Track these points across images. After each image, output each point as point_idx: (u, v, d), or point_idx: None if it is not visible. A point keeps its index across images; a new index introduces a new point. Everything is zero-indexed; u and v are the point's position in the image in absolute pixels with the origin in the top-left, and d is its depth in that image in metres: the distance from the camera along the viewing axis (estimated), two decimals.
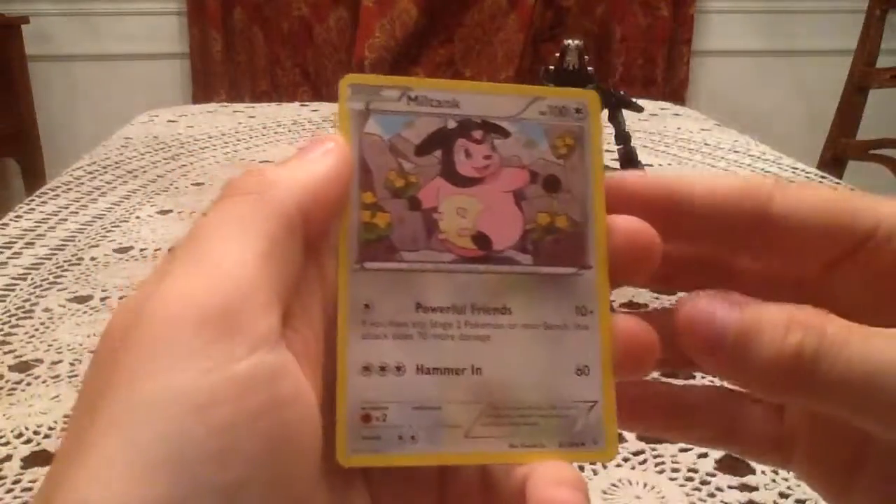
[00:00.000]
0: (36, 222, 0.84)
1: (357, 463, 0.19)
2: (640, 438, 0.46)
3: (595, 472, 0.43)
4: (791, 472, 0.24)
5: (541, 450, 0.20)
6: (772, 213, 0.21)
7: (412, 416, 0.20)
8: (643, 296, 0.66)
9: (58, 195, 0.93)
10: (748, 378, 0.19)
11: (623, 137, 0.55)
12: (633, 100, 0.56)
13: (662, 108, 1.47)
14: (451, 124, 0.21)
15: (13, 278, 0.69)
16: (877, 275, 0.20)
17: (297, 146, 0.21)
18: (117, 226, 0.83)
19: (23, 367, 0.54)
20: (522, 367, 0.21)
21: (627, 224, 0.21)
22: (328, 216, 0.20)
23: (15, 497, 0.41)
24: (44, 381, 0.52)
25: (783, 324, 0.18)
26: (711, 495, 0.42)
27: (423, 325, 0.20)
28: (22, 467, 0.43)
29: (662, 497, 0.41)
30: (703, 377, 0.43)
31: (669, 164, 1.10)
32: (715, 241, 0.22)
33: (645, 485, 0.42)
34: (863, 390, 0.17)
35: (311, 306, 0.19)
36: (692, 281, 0.22)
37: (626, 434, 0.47)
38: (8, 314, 0.62)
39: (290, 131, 1.26)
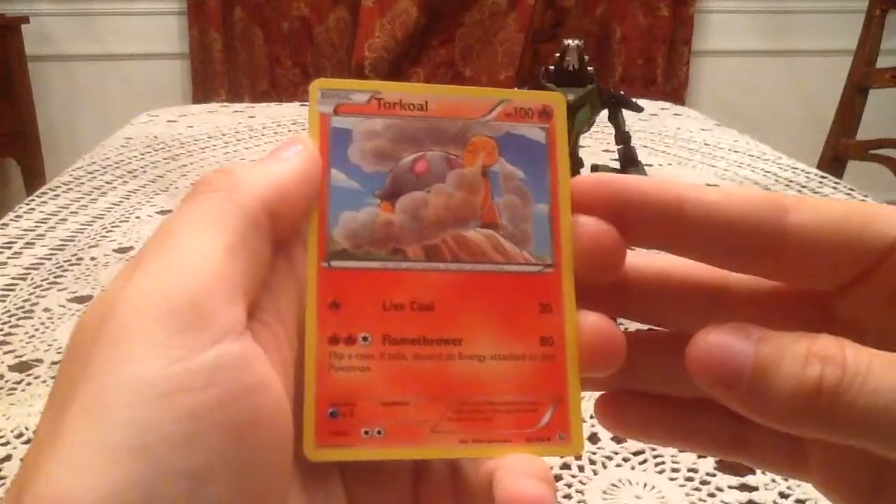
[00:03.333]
0: (36, 222, 0.84)
1: (324, 457, 0.20)
2: None
3: (595, 472, 0.43)
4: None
5: (507, 444, 0.21)
6: (787, 229, 0.20)
7: (379, 411, 0.20)
8: None
9: (58, 195, 0.93)
10: (766, 414, 0.18)
11: (623, 137, 0.55)
12: (633, 100, 0.56)
13: (662, 108, 1.47)
14: (418, 126, 0.22)
15: (13, 278, 0.69)
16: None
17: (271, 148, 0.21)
18: (117, 226, 0.83)
19: (23, 367, 0.54)
20: (489, 363, 0.21)
21: (590, 225, 0.22)
22: (296, 213, 0.20)
23: None
24: (44, 381, 0.52)
25: (802, 356, 0.18)
26: (711, 495, 0.42)
27: (390, 323, 0.21)
28: None
29: (662, 497, 0.41)
30: None
31: (669, 165, 1.10)
32: (722, 258, 0.21)
33: (645, 485, 0.42)
34: (889, 423, 0.17)
35: (281, 302, 0.20)
36: (679, 313, 0.22)
37: None
38: (8, 314, 0.62)
39: (290, 131, 1.26)
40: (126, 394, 0.16)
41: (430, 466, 0.22)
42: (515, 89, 0.23)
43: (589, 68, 0.53)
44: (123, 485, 0.15)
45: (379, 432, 0.20)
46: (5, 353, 0.56)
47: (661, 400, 0.24)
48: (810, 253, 0.20)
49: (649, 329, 0.24)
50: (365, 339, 0.21)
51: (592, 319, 0.22)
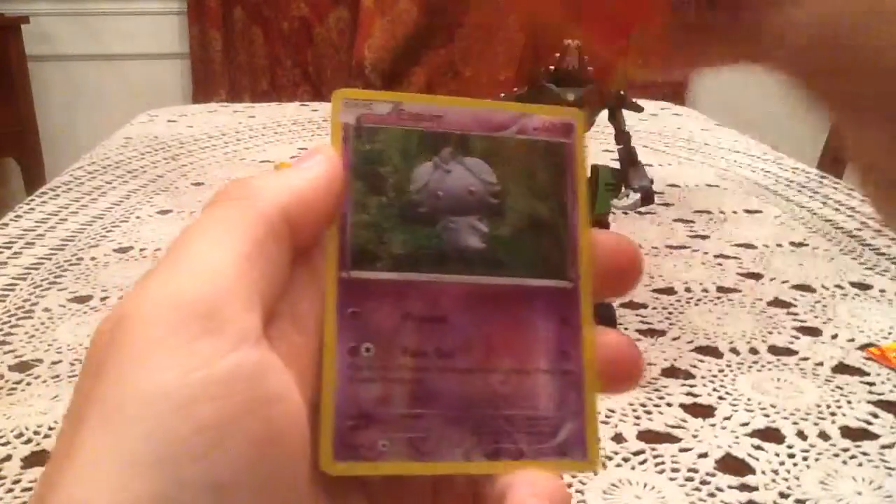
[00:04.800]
0: (36, 222, 0.84)
1: (342, 471, 0.20)
2: (640, 438, 0.46)
3: (595, 472, 0.43)
4: None
5: (524, 460, 0.21)
6: None
7: (398, 424, 0.20)
8: (642, 295, 0.66)
9: (58, 195, 0.93)
10: None
11: (623, 137, 0.55)
12: (633, 100, 0.56)
13: (662, 108, 1.47)
14: (441, 138, 0.22)
15: (13, 278, 0.69)
16: None
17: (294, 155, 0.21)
18: (117, 226, 0.83)
19: (23, 367, 0.54)
20: (507, 377, 0.21)
21: (610, 240, 0.22)
22: (316, 222, 0.20)
23: (15, 497, 0.41)
24: (44, 381, 0.52)
25: None
26: (711, 495, 0.42)
27: (409, 335, 0.21)
28: (22, 467, 0.43)
29: (662, 497, 0.41)
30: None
31: (669, 164, 1.10)
32: None
33: (645, 485, 0.42)
34: None
35: (301, 311, 0.20)
36: None
37: (626, 434, 0.47)
38: (8, 314, 0.62)
39: (290, 131, 1.26)
40: (143, 405, 0.15)
41: (450, 480, 0.22)
42: (538, 105, 0.23)
43: (589, 68, 0.53)
44: (144, 499, 0.15)
45: (398, 446, 0.20)
46: (5, 353, 0.56)
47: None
48: None
49: None
50: (384, 350, 0.20)
51: (611, 336, 0.22)
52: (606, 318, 0.58)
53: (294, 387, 0.18)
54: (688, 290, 0.68)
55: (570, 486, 0.42)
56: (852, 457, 0.45)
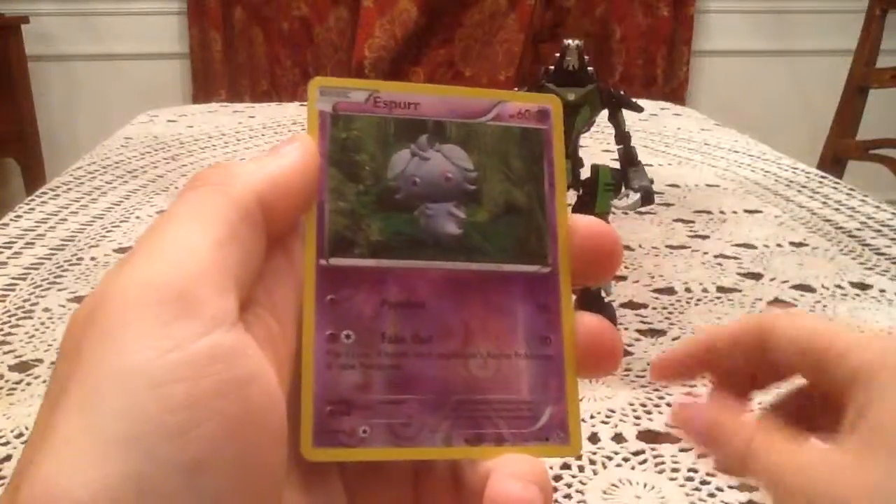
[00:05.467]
0: (36, 222, 0.84)
1: (321, 457, 0.20)
2: (639, 438, 0.46)
3: (595, 472, 0.43)
4: None
5: (505, 444, 0.21)
6: (768, 350, 0.25)
7: (377, 410, 0.20)
8: (642, 295, 0.66)
9: (58, 195, 0.93)
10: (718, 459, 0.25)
11: (623, 137, 0.55)
12: (633, 100, 0.56)
13: (662, 108, 1.47)
14: (417, 125, 0.22)
15: (13, 278, 0.69)
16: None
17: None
18: (117, 226, 0.83)
19: (23, 367, 0.54)
20: (487, 362, 0.21)
21: (589, 225, 0.22)
22: (291, 208, 0.20)
23: None
24: (44, 381, 0.52)
25: (733, 431, 0.23)
26: (711, 495, 0.42)
27: (388, 321, 0.21)
28: None
29: (662, 497, 0.41)
30: None
31: (669, 164, 1.10)
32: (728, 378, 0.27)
33: (645, 485, 0.42)
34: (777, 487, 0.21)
35: (277, 297, 0.20)
36: None
37: (626, 434, 0.47)
38: (8, 314, 0.62)
39: (289, 131, 1.26)
40: (117, 385, 0.15)
41: (430, 466, 0.22)
42: (514, 90, 0.23)
43: (589, 68, 0.53)
44: (116, 478, 0.15)
45: (377, 432, 0.20)
46: (5, 353, 0.56)
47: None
48: (786, 370, 0.25)
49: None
50: (363, 337, 0.21)
51: (589, 320, 0.22)
52: (607, 318, 0.58)
53: (270, 369, 0.18)
54: (688, 290, 0.68)
55: (569, 485, 0.42)
56: None
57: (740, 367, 0.26)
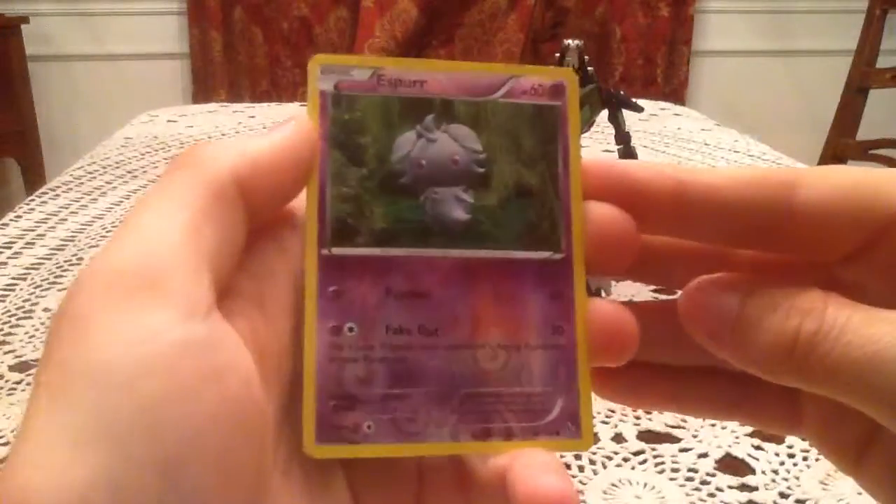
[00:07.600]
0: (36, 222, 0.84)
1: (324, 454, 0.19)
2: (640, 438, 0.46)
3: (595, 472, 0.43)
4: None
5: (514, 439, 0.20)
6: (794, 208, 0.19)
7: (382, 405, 0.19)
8: (642, 295, 0.66)
9: (58, 195, 0.93)
10: (749, 364, 0.19)
11: (623, 137, 0.55)
12: (633, 100, 0.56)
13: (662, 108, 1.47)
14: (423, 104, 0.21)
15: (13, 278, 0.69)
16: None
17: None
18: (117, 226, 0.83)
19: (23, 367, 0.54)
20: (496, 353, 0.20)
21: (603, 212, 0.21)
22: (274, 187, 0.19)
23: None
24: None
25: (784, 308, 0.18)
26: (711, 495, 0.42)
27: (393, 312, 0.20)
28: None
29: (662, 497, 0.41)
30: None
31: None
32: (729, 242, 0.21)
33: (645, 485, 0.42)
34: (860, 376, 0.17)
35: (265, 289, 0.19)
36: (688, 274, 0.21)
37: (626, 434, 0.47)
38: (8, 314, 0.62)
39: None
40: (87, 383, 0.15)
41: (436, 461, 0.21)
42: (526, 65, 0.22)
43: (589, 68, 0.53)
44: (88, 478, 0.14)
45: (382, 428, 0.19)
46: (5, 353, 0.56)
47: (657, 367, 0.23)
48: (817, 228, 0.19)
49: (649, 301, 0.24)
50: (367, 329, 0.20)
51: (605, 307, 0.20)
52: None
53: (248, 358, 0.17)
54: None
55: None
56: None
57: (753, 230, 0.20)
